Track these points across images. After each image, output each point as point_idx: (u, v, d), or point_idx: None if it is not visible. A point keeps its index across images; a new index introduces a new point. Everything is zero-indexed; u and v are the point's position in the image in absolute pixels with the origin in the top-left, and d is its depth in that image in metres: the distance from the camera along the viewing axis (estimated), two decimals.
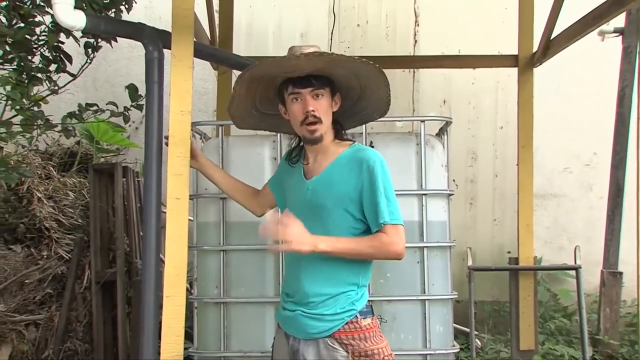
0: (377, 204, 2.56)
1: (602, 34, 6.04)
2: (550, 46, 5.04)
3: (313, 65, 2.56)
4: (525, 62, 5.27)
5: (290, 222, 2.49)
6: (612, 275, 5.63)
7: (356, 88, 2.79)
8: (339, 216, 2.61)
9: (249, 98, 2.82)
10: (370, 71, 2.69)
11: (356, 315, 2.61)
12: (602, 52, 6.18)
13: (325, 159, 2.71)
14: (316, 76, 2.61)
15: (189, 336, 4.01)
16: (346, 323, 2.59)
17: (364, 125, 3.74)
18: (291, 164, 2.86)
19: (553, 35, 5.01)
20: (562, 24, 4.86)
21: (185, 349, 3.06)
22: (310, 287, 2.64)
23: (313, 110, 2.60)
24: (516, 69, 5.32)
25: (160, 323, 3.04)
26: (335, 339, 2.60)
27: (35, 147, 5.47)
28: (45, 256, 4.92)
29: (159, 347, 3.00)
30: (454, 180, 6.16)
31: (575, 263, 5.15)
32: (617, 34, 5.99)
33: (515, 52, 5.33)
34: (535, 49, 5.25)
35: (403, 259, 2.61)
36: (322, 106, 2.63)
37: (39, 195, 5.07)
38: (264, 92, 2.81)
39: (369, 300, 2.71)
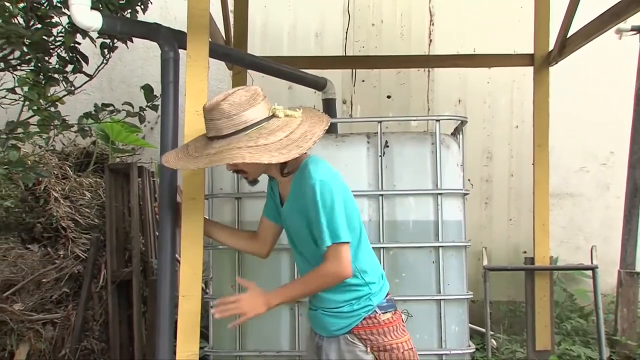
0: (318, 225, 2.55)
1: (620, 32, 6.00)
2: (567, 45, 5.01)
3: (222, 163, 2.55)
4: (541, 61, 5.23)
5: (236, 298, 2.61)
6: (629, 275, 5.59)
7: None
8: (313, 238, 2.63)
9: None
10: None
11: (375, 310, 2.66)
12: (619, 50, 6.14)
13: (287, 182, 2.73)
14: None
15: (204, 335, 4.02)
16: (364, 319, 2.66)
17: (378, 125, 3.75)
18: (272, 186, 2.92)
19: (569, 34, 4.97)
20: (579, 22, 4.82)
21: (200, 348, 3.06)
22: (322, 294, 2.72)
23: (232, 169, 2.69)
24: (532, 68, 5.29)
25: (175, 322, 3.05)
26: (354, 335, 2.67)
27: (52, 147, 5.51)
28: (61, 255, 4.95)
29: (175, 346, 3.01)
30: (469, 180, 6.14)
31: (592, 263, 5.11)
32: (634, 32, 5.95)
33: (531, 51, 5.29)
34: (551, 47, 5.21)
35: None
36: (242, 164, 2.60)
37: (56, 195, 5.10)
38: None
39: (390, 295, 2.76)
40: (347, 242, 2.56)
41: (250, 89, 2.61)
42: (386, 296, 2.74)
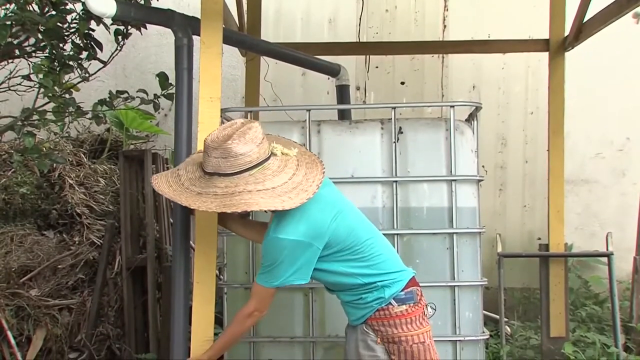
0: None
1: (637, 16, 5.94)
2: (583, 30, 4.96)
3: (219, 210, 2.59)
4: (556, 47, 5.19)
5: None
6: None
7: None
8: None
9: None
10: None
11: (389, 303, 2.70)
12: (636, 35, 6.08)
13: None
14: None
15: (218, 321, 4.03)
16: (377, 310, 2.71)
17: (392, 111, 3.73)
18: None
19: (585, 19, 4.92)
20: (595, 6, 4.77)
21: (215, 334, 3.08)
22: (338, 286, 2.83)
23: None
24: (547, 53, 5.24)
25: (190, 308, 3.07)
26: (368, 325, 2.74)
27: (66, 134, 5.53)
28: (77, 242, 4.99)
29: (189, 332, 3.03)
30: (483, 166, 6.10)
31: (607, 250, 5.08)
32: None
33: (547, 37, 5.24)
34: (567, 32, 5.17)
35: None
36: None
37: (71, 181, 5.13)
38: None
39: (414, 286, 2.78)
40: (274, 289, 2.71)
41: (252, 125, 2.62)
42: (406, 288, 2.75)
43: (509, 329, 5.58)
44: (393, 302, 2.70)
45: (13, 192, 5.07)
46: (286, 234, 2.57)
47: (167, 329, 4.06)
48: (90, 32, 4.04)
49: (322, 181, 2.65)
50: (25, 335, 4.63)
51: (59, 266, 4.87)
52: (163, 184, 2.72)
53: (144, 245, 5.05)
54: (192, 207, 2.66)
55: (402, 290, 2.72)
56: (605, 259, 5.32)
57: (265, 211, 2.77)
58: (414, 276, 2.82)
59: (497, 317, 5.17)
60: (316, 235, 2.62)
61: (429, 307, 2.89)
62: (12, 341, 4.54)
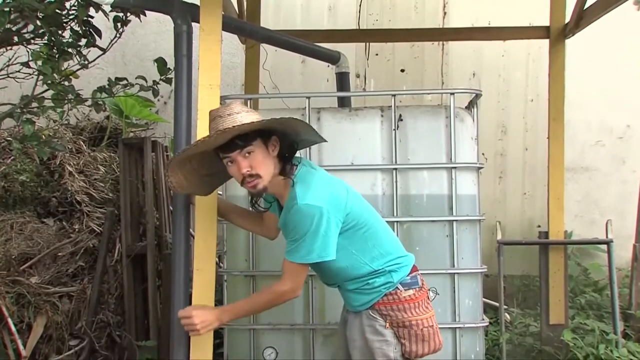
0: (288, 239, 2.70)
1: (638, 3, 5.90)
2: (583, 16, 4.94)
3: (231, 135, 2.56)
4: (557, 34, 5.17)
5: (187, 314, 2.77)
6: None
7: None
8: None
9: (187, 173, 2.84)
10: (286, 121, 2.64)
11: (397, 287, 2.73)
12: (637, 22, 6.05)
13: (282, 198, 2.78)
14: (241, 135, 2.59)
15: None
16: (385, 295, 2.74)
17: (392, 99, 3.73)
18: (259, 207, 2.95)
19: (586, 5, 4.91)
20: None
21: None
22: (344, 273, 2.79)
23: (248, 170, 2.63)
24: (547, 40, 5.22)
25: (190, 296, 3.07)
26: (375, 310, 2.75)
27: (66, 122, 5.52)
28: (77, 229, 4.98)
29: None
30: (483, 154, 6.11)
31: (607, 237, 5.08)
32: None
33: (547, 24, 5.23)
34: (567, 19, 5.15)
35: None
36: (256, 161, 2.63)
37: (70, 169, 5.12)
38: (201, 161, 2.82)
39: (416, 271, 2.81)
40: (306, 265, 2.68)
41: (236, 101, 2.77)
42: (410, 273, 2.78)
43: (508, 316, 5.59)
44: (400, 286, 2.73)
45: (13, 179, 5.06)
46: (314, 201, 2.57)
47: (167, 317, 4.07)
48: (89, 19, 4.01)
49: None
50: (25, 322, 4.63)
51: (59, 254, 4.87)
52: (177, 178, 2.83)
53: (144, 233, 5.05)
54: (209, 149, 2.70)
55: (407, 275, 2.75)
56: (604, 247, 5.34)
57: (263, 208, 2.87)
58: (414, 262, 2.87)
59: (497, 304, 5.18)
60: (338, 207, 2.64)
61: (430, 292, 2.92)
62: (13, 328, 4.54)
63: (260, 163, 2.63)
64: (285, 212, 2.70)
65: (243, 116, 2.57)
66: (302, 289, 2.77)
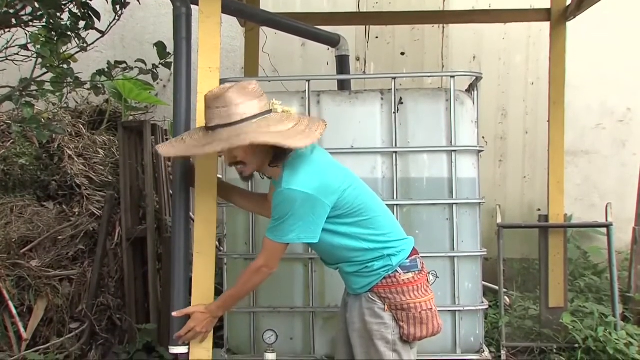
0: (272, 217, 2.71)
1: None
2: None
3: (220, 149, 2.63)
4: (558, 16, 5.14)
5: (189, 327, 2.91)
6: None
7: None
8: None
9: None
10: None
11: (396, 270, 2.74)
12: (638, 4, 6.02)
13: (277, 180, 2.77)
14: None
15: (218, 292, 4.06)
16: (384, 278, 2.75)
17: (392, 82, 3.71)
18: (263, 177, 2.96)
19: None
20: None
21: None
22: (343, 256, 2.81)
23: (235, 161, 2.70)
24: (548, 23, 5.19)
25: (190, 279, 3.08)
26: (374, 293, 2.76)
27: (65, 105, 5.51)
28: (77, 213, 4.99)
29: (190, 302, 3.04)
30: (483, 137, 6.10)
31: (607, 220, 5.09)
32: None
33: (548, 6, 5.19)
34: (568, 2, 5.12)
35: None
36: (243, 152, 2.64)
37: (70, 152, 5.12)
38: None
39: (416, 255, 2.82)
40: (283, 245, 2.70)
41: (252, 83, 2.67)
42: (410, 256, 2.78)
43: (508, 299, 5.60)
44: (399, 269, 2.74)
45: (12, 163, 5.05)
46: (297, 186, 2.58)
47: (167, 300, 4.08)
48: (88, 1, 4.00)
49: (323, 132, 2.69)
50: (26, 305, 4.65)
51: (59, 237, 4.88)
52: (168, 147, 2.83)
53: (144, 217, 5.05)
54: (199, 155, 2.77)
55: (407, 259, 2.75)
56: (604, 230, 5.33)
57: (267, 177, 2.86)
58: (414, 245, 2.87)
59: (497, 287, 5.19)
60: (327, 192, 2.63)
61: (430, 275, 2.92)
62: (14, 311, 4.56)
63: (246, 154, 2.66)
64: (274, 193, 2.72)
65: (235, 110, 2.57)
66: (277, 266, 2.79)
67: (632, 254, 5.48)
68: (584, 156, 6.48)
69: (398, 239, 2.82)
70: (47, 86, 3.97)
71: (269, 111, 2.66)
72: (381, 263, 2.73)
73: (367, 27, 6.56)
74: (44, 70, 3.90)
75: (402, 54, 6.60)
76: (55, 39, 3.88)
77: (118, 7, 4.13)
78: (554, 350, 4.83)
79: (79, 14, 4.00)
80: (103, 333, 4.79)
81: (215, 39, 3.09)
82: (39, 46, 3.80)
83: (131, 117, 5.73)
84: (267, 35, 5.77)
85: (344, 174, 2.77)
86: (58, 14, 3.94)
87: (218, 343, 3.74)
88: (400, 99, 3.74)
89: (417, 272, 2.77)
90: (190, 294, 3.05)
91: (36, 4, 3.74)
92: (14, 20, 3.90)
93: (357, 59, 6.58)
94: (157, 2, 5.88)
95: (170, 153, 2.83)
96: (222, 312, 3.01)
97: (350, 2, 6.56)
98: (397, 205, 3.66)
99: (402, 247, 2.79)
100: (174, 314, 2.97)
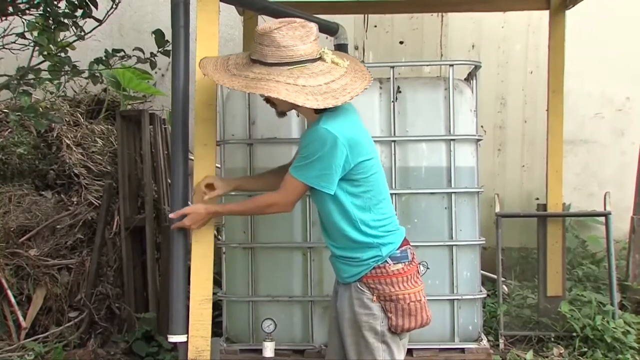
0: (297, 155, 2.71)
1: None
2: None
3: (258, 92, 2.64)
4: (557, 4, 5.10)
5: (183, 212, 2.89)
6: None
7: None
8: (321, 197, 2.73)
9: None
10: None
11: (386, 261, 2.70)
12: None
13: (309, 123, 2.80)
14: None
15: (217, 282, 4.06)
16: (373, 268, 2.71)
17: (391, 71, 3.70)
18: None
19: None
20: None
21: (213, 294, 3.09)
22: (333, 244, 2.82)
23: (267, 100, 2.73)
24: (548, 11, 5.17)
25: (189, 268, 3.07)
26: (364, 283, 2.72)
27: (63, 94, 5.49)
28: (75, 202, 4.99)
29: (188, 291, 3.04)
30: (482, 126, 6.08)
31: (605, 209, 5.09)
32: None
33: None
34: None
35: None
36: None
37: (68, 142, 5.12)
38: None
39: (407, 245, 2.78)
40: (305, 185, 2.66)
41: (308, 25, 2.63)
42: (400, 247, 2.76)
43: (506, 288, 5.61)
44: (389, 260, 2.70)
45: (10, 152, 5.05)
46: (334, 130, 2.56)
47: (166, 289, 4.08)
48: None
49: (359, 94, 2.66)
50: (25, 294, 4.66)
51: (58, 226, 4.88)
52: (210, 64, 2.79)
53: (142, 206, 5.05)
54: (220, 84, 2.74)
55: (397, 249, 2.73)
56: (602, 219, 5.34)
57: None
58: (405, 235, 2.84)
59: (495, 276, 5.20)
60: (355, 149, 2.62)
61: (420, 266, 2.90)
62: (13, 300, 4.57)
63: (279, 99, 2.61)
64: (306, 131, 2.70)
65: (269, 51, 2.59)
66: (292, 207, 2.77)
67: (630, 242, 5.49)
68: (583, 145, 6.47)
69: (391, 230, 2.78)
70: (45, 74, 3.95)
71: (315, 60, 2.62)
72: (371, 253, 2.70)
73: (366, 15, 6.53)
74: (42, 58, 3.89)
75: (401, 42, 6.58)
76: (53, 27, 3.86)
77: None
78: (552, 339, 4.84)
79: (76, 2, 3.98)
80: (102, 322, 4.80)
81: (214, 27, 3.08)
82: (36, 34, 3.79)
83: (129, 106, 5.72)
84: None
85: (372, 145, 2.79)
86: (55, 2, 3.92)
87: (217, 332, 3.74)
88: (399, 87, 3.73)
89: (407, 263, 2.73)
90: (188, 283, 3.05)
91: None
92: (10, 8, 3.88)
93: (356, 48, 6.56)
94: None
95: (206, 69, 2.76)
96: (215, 210, 2.94)
97: None
98: (395, 194, 3.66)
99: (393, 238, 2.75)
100: (171, 215, 2.95)
